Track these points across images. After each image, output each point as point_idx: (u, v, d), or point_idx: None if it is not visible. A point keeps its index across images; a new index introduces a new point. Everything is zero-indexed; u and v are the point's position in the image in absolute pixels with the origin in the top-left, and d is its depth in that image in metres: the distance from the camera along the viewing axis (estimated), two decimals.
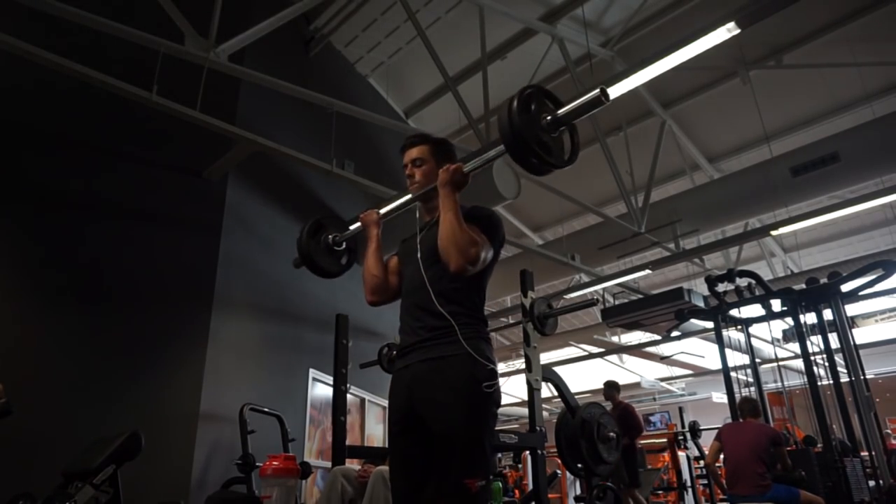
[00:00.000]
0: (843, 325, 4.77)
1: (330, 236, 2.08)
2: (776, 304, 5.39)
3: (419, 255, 1.75)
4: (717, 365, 5.79)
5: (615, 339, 11.95)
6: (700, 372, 13.19)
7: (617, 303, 9.21)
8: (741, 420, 4.40)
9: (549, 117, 1.45)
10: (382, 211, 1.97)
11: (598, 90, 1.36)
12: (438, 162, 1.84)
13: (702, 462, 6.81)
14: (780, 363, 6.05)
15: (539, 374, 3.67)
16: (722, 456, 4.20)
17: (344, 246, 2.11)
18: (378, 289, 1.89)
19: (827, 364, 4.68)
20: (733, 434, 4.16)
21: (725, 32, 4.03)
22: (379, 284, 1.89)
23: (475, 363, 1.59)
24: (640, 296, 8.85)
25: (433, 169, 1.83)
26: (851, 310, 6.02)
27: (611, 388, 6.32)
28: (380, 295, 1.90)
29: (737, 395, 5.16)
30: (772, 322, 5.90)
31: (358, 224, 2.00)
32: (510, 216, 9.90)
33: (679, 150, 8.04)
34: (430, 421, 1.58)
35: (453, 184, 1.64)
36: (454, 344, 1.60)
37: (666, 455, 8.01)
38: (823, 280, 5.01)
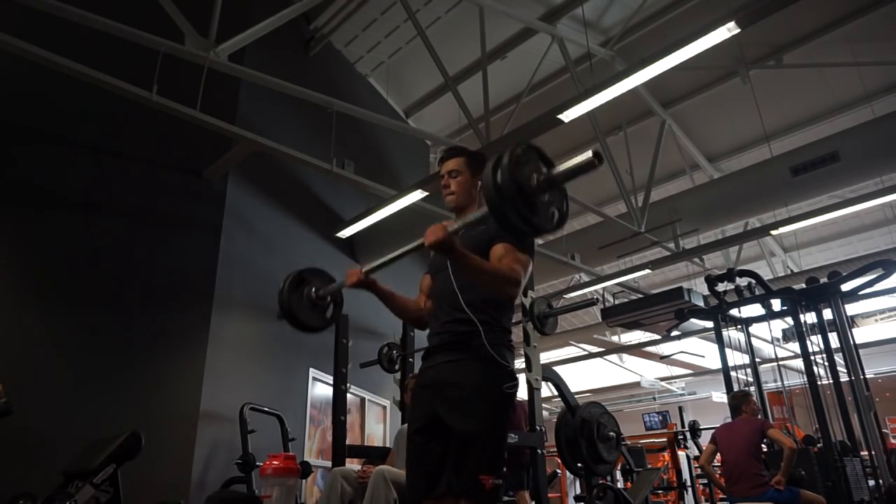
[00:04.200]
0: (843, 325, 4.77)
1: (312, 290, 1.93)
2: (776, 304, 5.40)
3: (449, 263, 1.76)
4: (717, 364, 5.79)
5: (615, 338, 11.94)
6: (700, 371, 13.19)
7: (617, 302, 9.20)
8: (733, 419, 4.37)
9: (540, 177, 1.32)
10: (367, 268, 1.79)
11: (590, 153, 1.26)
12: (473, 174, 1.87)
13: None
14: (780, 363, 6.05)
15: (539, 373, 3.67)
16: (719, 456, 4.20)
17: (329, 300, 1.98)
18: (419, 320, 1.94)
19: (827, 364, 4.69)
20: (727, 435, 4.15)
21: (725, 32, 4.02)
22: (416, 318, 1.94)
23: (496, 366, 1.66)
24: (640, 295, 8.85)
25: (468, 179, 1.87)
26: (851, 309, 6.02)
27: None
28: (424, 325, 1.93)
29: None
30: (772, 322, 5.90)
31: (342, 281, 1.87)
32: None
33: (679, 150, 8.04)
34: (449, 419, 1.63)
35: (444, 248, 1.54)
36: (478, 348, 1.66)
37: (666, 455, 8.01)
38: (823, 280, 5.02)
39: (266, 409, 4.73)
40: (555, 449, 4.51)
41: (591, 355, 12.17)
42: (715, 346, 5.68)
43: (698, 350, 11.86)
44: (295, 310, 1.91)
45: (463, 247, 1.60)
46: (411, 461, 1.73)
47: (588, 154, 1.26)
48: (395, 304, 1.90)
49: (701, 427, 7.09)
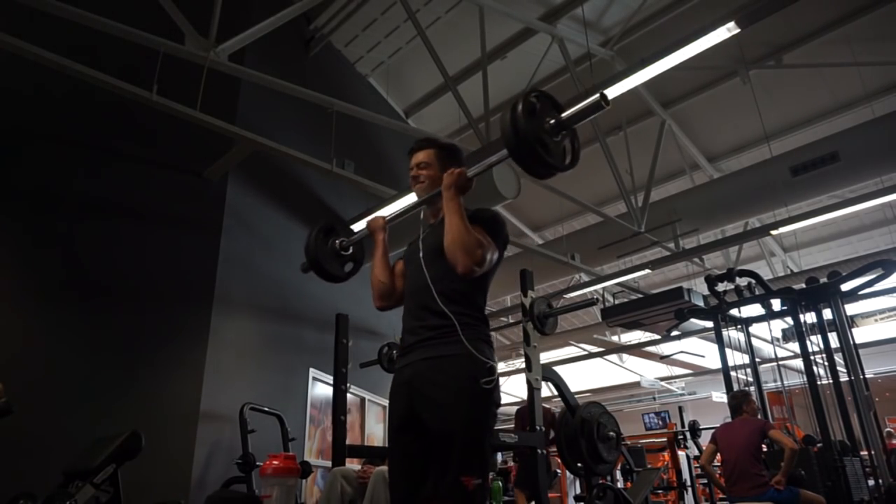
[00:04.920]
0: (843, 325, 4.77)
1: (337, 241, 2.08)
2: (776, 304, 5.40)
3: (421, 255, 1.77)
4: (717, 364, 5.80)
5: (615, 338, 11.95)
6: (700, 371, 13.20)
7: (617, 302, 9.21)
8: (733, 419, 4.37)
9: (551, 121, 1.44)
10: (389, 216, 1.97)
11: (598, 95, 1.37)
12: (444, 166, 1.86)
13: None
14: (780, 363, 6.06)
15: (539, 373, 3.67)
16: (719, 456, 4.20)
17: (350, 251, 2.11)
18: (385, 294, 1.92)
19: (826, 363, 4.69)
20: (727, 435, 4.15)
21: (725, 32, 4.03)
22: (386, 290, 1.92)
23: (475, 362, 1.60)
24: (640, 295, 8.86)
25: (437, 173, 1.85)
26: (851, 309, 6.02)
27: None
28: (387, 300, 1.93)
29: None
30: (772, 321, 5.91)
31: (364, 229, 2.01)
32: (510, 216, 9.91)
33: (679, 150, 8.04)
34: (428, 419, 1.60)
35: (457, 187, 1.65)
36: (455, 343, 1.62)
37: (666, 454, 8.01)
38: (823, 279, 5.02)
39: (266, 409, 4.74)
40: (554, 448, 4.52)
41: (591, 355, 12.17)
42: (715, 346, 5.68)
43: (698, 350, 11.87)
44: (321, 260, 2.03)
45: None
46: (394, 461, 1.70)
47: (596, 96, 1.38)
48: (381, 261, 1.93)
49: (701, 427, 7.09)
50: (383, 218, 1.97)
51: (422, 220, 1.95)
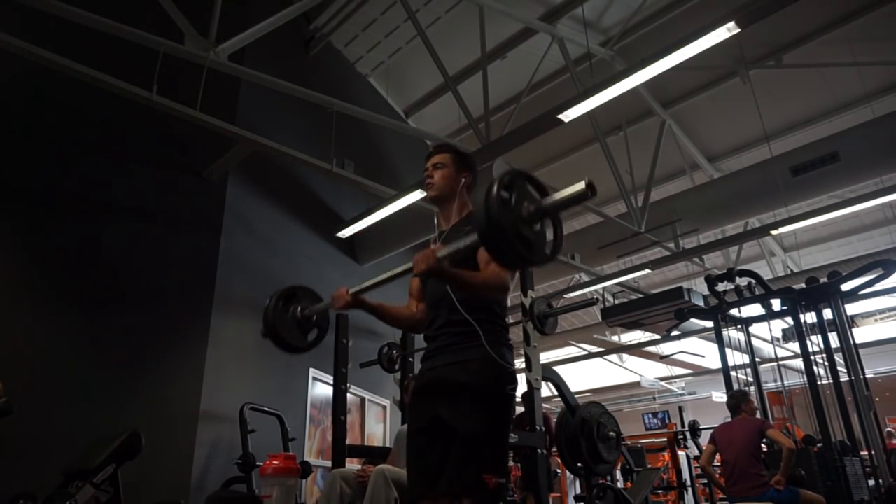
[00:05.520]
0: (843, 325, 4.78)
1: (299, 309, 1.91)
2: (776, 304, 5.40)
3: None
4: (717, 364, 5.80)
5: (615, 338, 11.95)
6: (700, 371, 13.19)
7: (617, 302, 9.20)
8: (732, 419, 4.36)
9: (531, 208, 1.29)
10: (354, 290, 1.77)
11: (583, 184, 1.22)
12: (458, 170, 1.89)
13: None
14: (780, 363, 6.06)
15: (539, 373, 3.68)
16: (719, 456, 4.20)
17: (315, 319, 1.95)
18: (415, 326, 1.92)
19: (827, 363, 4.69)
20: (726, 435, 4.14)
21: (725, 32, 4.02)
22: (416, 323, 1.91)
23: (498, 366, 1.66)
24: (640, 295, 8.85)
25: (452, 174, 1.88)
26: (851, 309, 6.02)
27: None
28: (421, 327, 1.91)
29: None
30: (772, 321, 5.91)
31: (329, 301, 1.84)
32: None
33: (679, 150, 8.03)
34: (452, 419, 1.63)
35: (434, 275, 1.56)
36: (478, 348, 1.66)
37: (666, 454, 8.01)
38: (823, 279, 5.02)
39: (266, 409, 4.74)
40: (554, 448, 4.52)
41: (591, 355, 12.17)
42: (715, 346, 5.68)
43: (698, 350, 11.86)
44: (280, 328, 1.88)
45: (449, 265, 1.56)
46: (413, 461, 1.73)
47: (581, 185, 1.22)
48: (387, 317, 1.88)
49: (701, 427, 7.09)
50: (346, 292, 1.77)
51: (436, 225, 1.95)
